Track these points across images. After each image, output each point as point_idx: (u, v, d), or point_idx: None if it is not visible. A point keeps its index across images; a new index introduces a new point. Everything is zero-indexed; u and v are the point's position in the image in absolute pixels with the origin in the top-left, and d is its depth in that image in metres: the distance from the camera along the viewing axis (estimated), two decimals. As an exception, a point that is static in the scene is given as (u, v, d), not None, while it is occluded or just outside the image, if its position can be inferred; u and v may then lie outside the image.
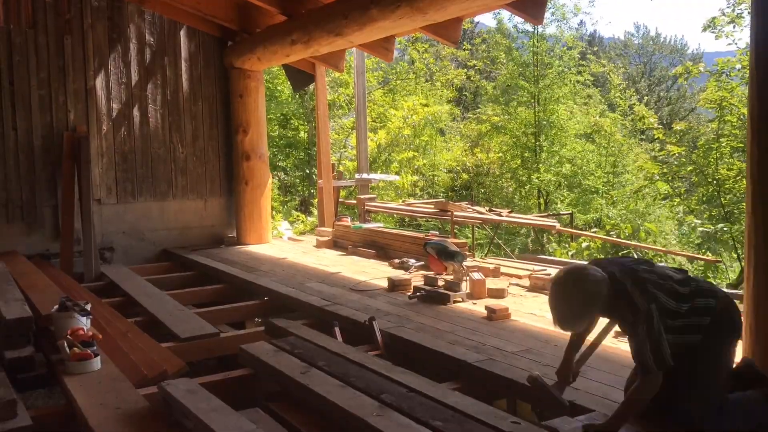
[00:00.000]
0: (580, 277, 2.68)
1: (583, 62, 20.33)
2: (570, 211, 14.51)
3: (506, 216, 8.12)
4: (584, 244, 9.43)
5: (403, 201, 12.79)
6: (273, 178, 11.24)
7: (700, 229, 9.39)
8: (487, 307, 4.66)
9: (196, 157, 8.23)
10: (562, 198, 18.09)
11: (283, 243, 8.76)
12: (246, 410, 3.05)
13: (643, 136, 22.54)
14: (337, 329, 4.50)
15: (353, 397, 3.08)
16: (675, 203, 13.08)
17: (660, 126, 16.54)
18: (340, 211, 9.97)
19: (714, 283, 8.68)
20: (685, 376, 2.69)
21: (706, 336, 2.71)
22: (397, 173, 15.56)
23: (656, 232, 12.31)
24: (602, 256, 9.23)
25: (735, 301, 2.91)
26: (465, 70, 21.99)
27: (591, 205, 17.40)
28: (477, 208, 8.45)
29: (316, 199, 10.69)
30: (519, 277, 5.83)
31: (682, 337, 2.69)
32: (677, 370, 2.63)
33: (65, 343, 3.58)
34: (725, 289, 5.57)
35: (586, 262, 3.05)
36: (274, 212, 10.76)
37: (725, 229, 9.04)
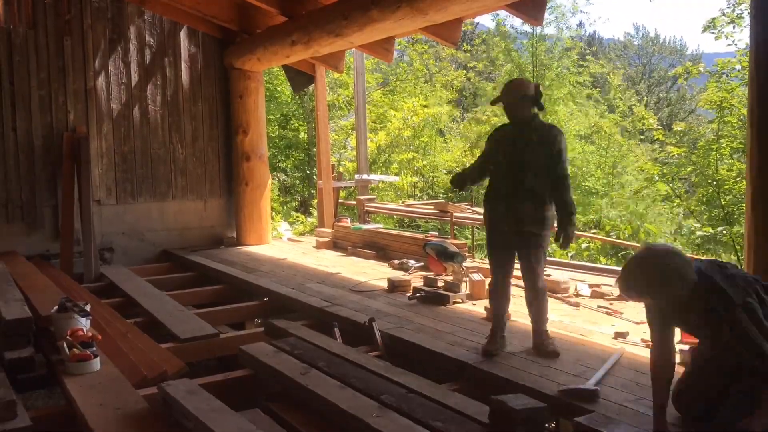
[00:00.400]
0: (673, 251, 2.55)
1: (583, 62, 20.32)
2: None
3: (506, 217, 8.09)
4: (584, 245, 9.42)
5: (402, 202, 12.77)
6: (273, 178, 11.23)
7: (699, 233, 9.40)
8: (486, 308, 4.66)
9: (196, 158, 8.23)
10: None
11: (282, 244, 8.76)
12: (246, 411, 3.06)
13: (643, 137, 22.53)
14: (336, 330, 4.50)
15: (353, 397, 3.08)
16: (675, 204, 13.08)
17: (660, 127, 16.52)
18: (340, 212, 9.96)
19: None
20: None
21: None
22: (396, 174, 15.54)
23: (656, 233, 12.31)
24: (602, 257, 9.22)
25: None
26: (465, 71, 21.97)
27: (591, 206, 17.37)
28: (476, 209, 8.44)
29: (316, 200, 10.68)
30: (518, 278, 5.81)
31: None
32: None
33: (65, 344, 3.58)
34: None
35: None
36: (273, 213, 10.75)
37: (724, 231, 9.04)
